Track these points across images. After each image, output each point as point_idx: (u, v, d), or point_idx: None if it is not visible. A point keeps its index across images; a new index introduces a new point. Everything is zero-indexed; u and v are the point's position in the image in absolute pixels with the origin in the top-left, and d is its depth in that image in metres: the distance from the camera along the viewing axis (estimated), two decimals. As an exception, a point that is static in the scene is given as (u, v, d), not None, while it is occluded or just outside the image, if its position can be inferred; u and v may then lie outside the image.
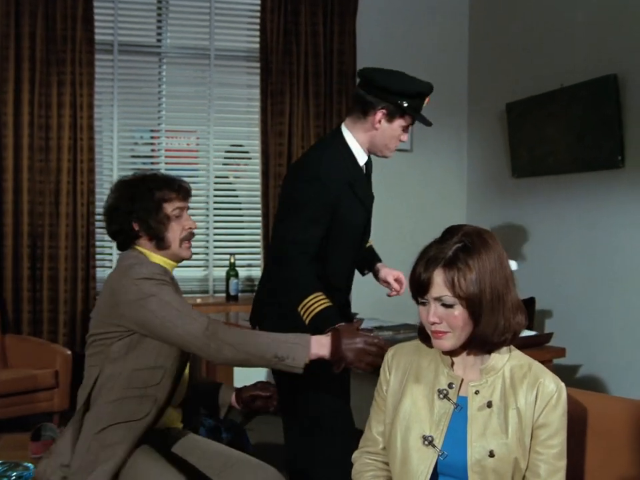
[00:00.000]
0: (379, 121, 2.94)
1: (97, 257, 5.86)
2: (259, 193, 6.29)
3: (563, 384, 2.00)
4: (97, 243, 5.84)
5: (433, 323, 1.95)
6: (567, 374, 5.28)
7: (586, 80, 5.28)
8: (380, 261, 3.41)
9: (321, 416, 2.98)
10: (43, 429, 3.04)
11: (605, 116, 5.14)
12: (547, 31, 5.80)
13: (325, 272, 2.93)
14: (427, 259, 1.93)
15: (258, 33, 6.21)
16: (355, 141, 3.00)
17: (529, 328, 4.52)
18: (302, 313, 2.77)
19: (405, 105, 2.91)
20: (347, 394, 3.16)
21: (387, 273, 3.28)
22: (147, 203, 2.66)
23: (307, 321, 2.75)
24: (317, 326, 2.69)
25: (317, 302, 2.74)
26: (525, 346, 3.69)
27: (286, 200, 3.02)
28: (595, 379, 5.36)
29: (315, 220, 2.86)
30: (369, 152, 3.07)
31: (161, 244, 2.70)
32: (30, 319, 5.68)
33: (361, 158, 3.04)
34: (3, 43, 5.58)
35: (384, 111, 2.92)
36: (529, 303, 5.49)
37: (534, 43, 5.94)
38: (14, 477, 2.63)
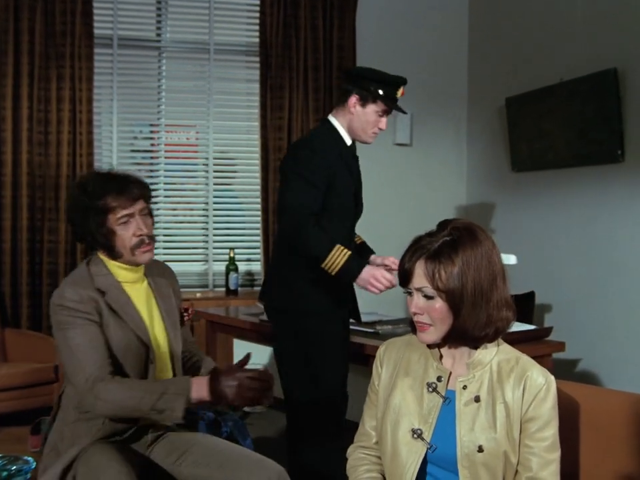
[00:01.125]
0: (354, 106, 3.34)
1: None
2: (258, 187, 6.28)
3: (552, 377, 1.99)
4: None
5: (415, 314, 1.97)
6: (566, 368, 5.29)
7: (586, 74, 5.27)
8: (373, 252, 3.66)
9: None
10: (42, 422, 3.05)
11: (604, 110, 5.14)
12: (547, 25, 5.79)
13: None
14: (414, 250, 1.96)
15: (257, 27, 6.20)
16: (340, 125, 3.41)
17: (529, 322, 4.53)
18: (327, 269, 3.13)
19: (375, 90, 3.31)
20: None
21: (383, 258, 3.50)
22: (87, 219, 2.55)
23: (333, 274, 3.13)
24: (342, 278, 3.15)
25: (338, 255, 3.11)
26: (525, 340, 3.71)
27: (284, 175, 3.36)
28: (594, 372, 5.36)
29: (313, 183, 3.21)
30: (351, 137, 3.44)
31: (112, 254, 2.60)
32: (29, 313, 5.68)
33: (347, 140, 3.42)
34: (1, 37, 5.57)
35: (357, 96, 3.33)
36: (529, 297, 5.49)
37: (534, 37, 5.94)
38: (14, 471, 2.63)
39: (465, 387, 2.00)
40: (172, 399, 2.32)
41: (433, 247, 1.93)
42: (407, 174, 6.58)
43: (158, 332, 2.66)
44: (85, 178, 2.67)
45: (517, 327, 3.74)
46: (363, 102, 3.34)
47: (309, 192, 3.21)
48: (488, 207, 6.53)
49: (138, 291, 2.67)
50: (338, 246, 3.13)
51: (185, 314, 2.76)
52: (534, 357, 3.65)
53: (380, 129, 3.40)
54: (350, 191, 3.41)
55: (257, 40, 6.21)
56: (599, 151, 5.23)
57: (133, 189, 2.57)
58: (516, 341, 3.59)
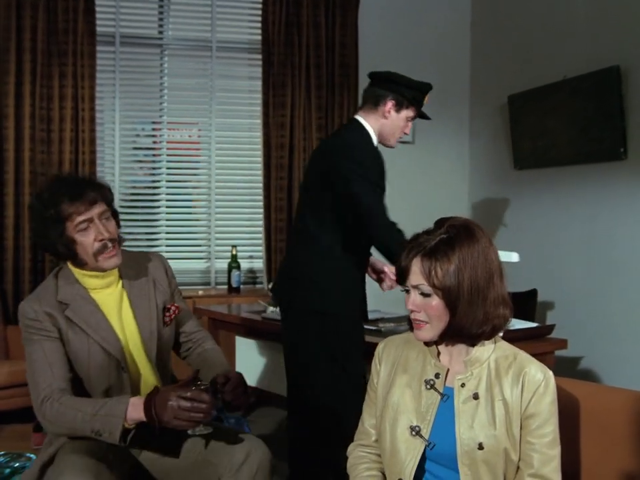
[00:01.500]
0: (389, 111, 3.38)
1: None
2: (260, 185, 6.29)
3: (550, 372, 1.99)
4: (99, 235, 5.83)
5: (412, 311, 1.97)
6: (568, 365, 5.29)
7: (588, 72, 5.27)
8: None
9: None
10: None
11: (607, 108, 5.13)
12: (550, 22, 5.79)
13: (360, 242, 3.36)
14: (411, 247, 1.96)
15: (260, 25, 6.21)
16: (370, 128, 3.42)
17: (531, 320, 4.53)
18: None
19: (410, 96, 3.36)
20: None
21: (383, 264, 3.52)
22: (47, 229, 2.43)
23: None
24: None
25: None
26: (527, 338, 3.71)
27: (346, 179, 3.25)
28: (596, 370, 5.36)
29: (382, 188, 3.33)
30: (378, 140, 3.46)
31: (76, 263, 2.51)
32: (32, 311, 5.68)
33: (375, 143, 3.44)
34: (4, 34, 5.58)
35: (393, 101, 3.37)
36: (531, 294, 5.50)
37: (536, 34, 5.93)
38: (17, 467, 2.64)
39: (463, 385, 2.00)
40: (107, 421, 2.26)
41: (430, 245, 1.93)
42: (410, 172, 6.57)
43: (130, 338, 2.57)
44: (40, 186, 2.57)
45: (519, 324, 3.74)
46: (398, 107, 3.39)
47: (376, 193, 3.29)
48: (490, 204, 6.53)
49: (108, 296, 2.58)
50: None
51: (167, 313, 2.66)
52: (536, 355, 3.65)
53: (405, 134, 3.48)
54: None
55: (259, 37, 6.22)
56: (601, 148, 5.22)
57: (89, 192, 2.44)
58: (518, 338, 3.60)
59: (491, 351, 2.02)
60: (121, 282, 2.60)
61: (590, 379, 5.27)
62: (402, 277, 1.98)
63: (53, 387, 2.38)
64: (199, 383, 2.30)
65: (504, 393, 1.96)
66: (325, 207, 3.35)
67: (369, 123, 3.42)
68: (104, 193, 2.51)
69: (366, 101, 3.45)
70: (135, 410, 2.26)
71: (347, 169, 3.26)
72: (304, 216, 3.45)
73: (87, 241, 2.43)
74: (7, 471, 2.61)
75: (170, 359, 2.73)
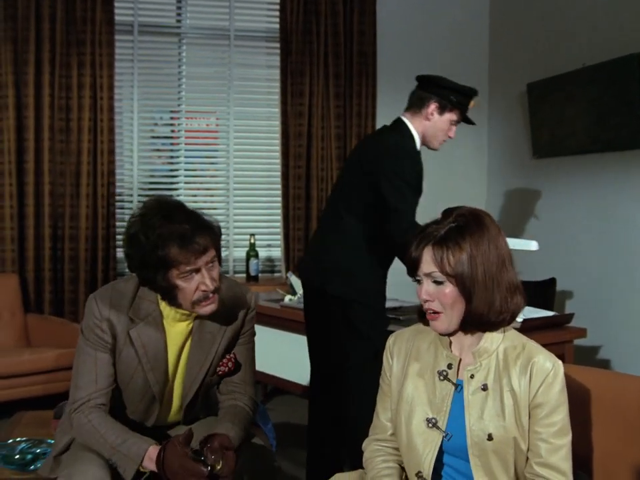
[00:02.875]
0: (432, 113, 3.45)
1: (118, 237, 5.86)
2: (278, 174, 6.29)
3: (559, 361, 1.98)
4: (117, 224, 5.87)
5: (426, 301, 1.97)
6: (587, 354, 5.28)
7: (608, 59, 5.23)
8: None
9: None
10: (65, 406, 3.07)
11: (626, 96, 5.09)
12: (569, 10, 5.75)
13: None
14: (421, 238, 1.96)
15: (278, 13, 6.20)
16: (414, 129, 3.50)
17: (550, 309, 4.51)
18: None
19: (454, 99, 3.43)
20: None
21: None
22: (147, 268, 2.31)
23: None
24: None
25: None
26: (546, 326, 3.71)
27: (388, 178, 3.34)
28: (615, 359, 5.34)
29: (419, 191, 3.48)
30: (421, 142, 3.56)
31: (171, 303, 2.39)
32: (51, 299, 5.74)
33: (418, 145, 3.54)
34: (23, 24, 5.60)
35: (436, 103, 3.44)
36: (550, 283, 5.48)
37: (555, 22, 5.89)
38: (38, 453, 2.67)
39: (472, 376, 1.99)
40: (124, 460, 2.27)
41: (440, 234, 1.93)
42: (427, 160, 6.51)
43: (177, 377, 2.53)
44: (148, 217, 2.32)
45: (538, 313, 3.73)
46: (441, 110, 3.45)
47: (415, 199, 3.44)
48: (508, 193, 6.51)
49: (176, 329, 2.48)
50: None
51: (222, 362, 2.56)
52: (555, 344, 3.66)
53: (449, 137, 3.55)
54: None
55: (278, 26, 6.21)
56: (620, 136, 5.18)
57: (200, 239, 2.28)
58: (537, 327, 3.60)
59: (499, 341, 2.01)
60: (195, 321, 2.50)
61: (609, 367, 5.26)
62: (413, 267, 1.98)
63: (90, 399, 2.38)
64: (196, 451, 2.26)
65: (512, 383, 1.95)
66: (360, 203, 3.41)
67: (413, 125, 3.49)
68: (214, 237, 2.38)
69: (411, 104, 3.52)
70: (150, 462, 2.25)
71: (386, 171, 3.34)
72: (337, 207, 3.50)
73: (189, 288, 2.31)
74: (29, 456, 2.64)
75: (204, 397, 2.66)
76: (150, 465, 2.25)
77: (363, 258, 3.41)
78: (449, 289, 1.92)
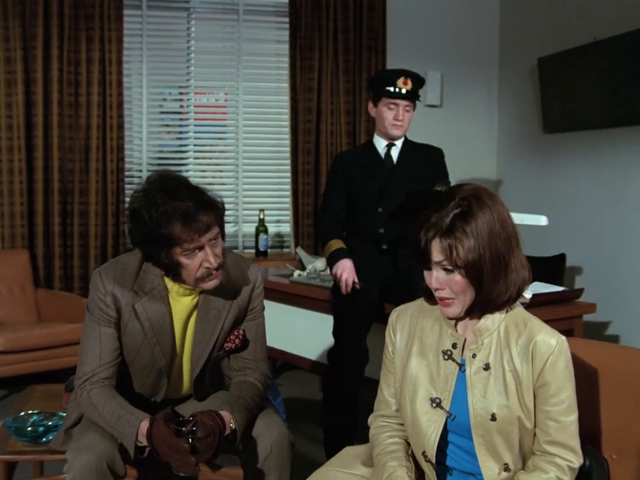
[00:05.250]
0: (371, 109, 3.85)
1: (126, 213, 5.84)
2: (288, 149, 6.28)
3: (563, 337, 1.96)
4: (127, 199, 5.86)
5: (437, 289, 1.95)
6: (597, 330, 5.28)
7: (620, 33, 5.18)
8: None
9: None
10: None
11: (638, 70, 5.05)
12: (581, -17, 5.70)
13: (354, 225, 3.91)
14: (426, 229, 1.93)
15: (287, -13, 6.17)
16: (376, 128, 3.91)
17: (559, 284, 4.51)
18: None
19: (377, 89, 3.77)
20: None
21: None
22: (150, 244, 2.31)
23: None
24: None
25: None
26: (555, 301, 3.71)
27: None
28: (624, 334, 5.34)
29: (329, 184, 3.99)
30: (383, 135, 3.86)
31: (175, 279, 2.41)
32: (61, 274, 5.75)
33: (379, 144, 3.88)
34: (31, -1, 5.58)
35: (370, 100, 3.87)
36: (560, 259, 5.47)
37: (567, -5, 5.85)
38: (50, 426, 2.69)
39: (474, 356, 1.99)
40: (122, 437, 2.30)
41: (445, 223, 1.89)
42: (438, 135, 6.47)
43: (185, 351, 2.54)
44: (151, 193, 2.31)
45: (548, 288, 3.73)
46: (374, 103, 3.81)
47: (328, 191, 4.00)
48: (519, 168, 6.49)
49: (182, 303, 2.49)
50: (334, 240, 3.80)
51: (230, 338, 2.56)
52: (564, 319, 3.67)
53: (397, 119, 3.75)
54: (369, 190, 3.93)
55: (287, 0, 6.17)
56: (632, 111, 5.15)
57: (203, 217, 2.28)
58: (546, 302, 3.60)
59: (500, 320, 2.00)
60: (199, 296, 2.50)
61: (618, 342, 5.26)
62: (422, 259, 1.95)
63: (95, 374, 2.40)
64: (182, 421, 2.28)
65: (514, 362, 1.95)
66: None
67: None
68: (217, 214, 2.37)
69: None
70: (144, 437, 2.27)
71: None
72: None
73: (193, 265, 2.31)
74: (41, 429, 2.66)
75: (213, 371, 2.66)
76: (144, 440, 2.28)
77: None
78: (459, 277, 1.91)
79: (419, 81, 3.76)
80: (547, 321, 2.06)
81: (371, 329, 3.65)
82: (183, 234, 2.25)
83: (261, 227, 6.11)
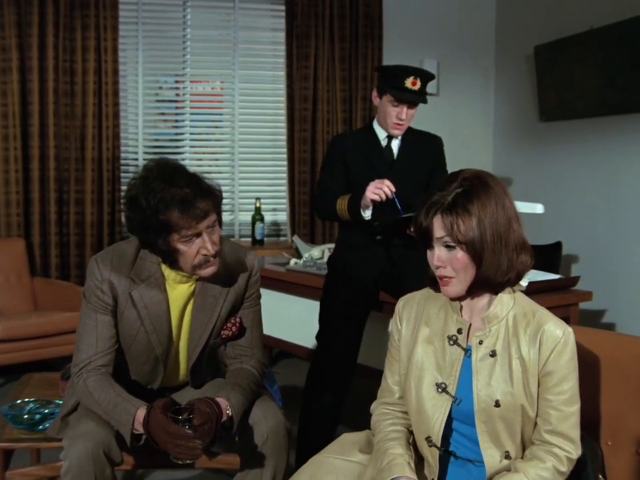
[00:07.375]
0: (375, 98, 3.67)
1: (123, 201, 5.84)
2: (284, 137, 6.28)
3: (569, 328, 1.97)
4: (123, 188, 5.85)
5: (438, 267, 1.96)
6: (592, 317, 5.29)
7: (616, 21, 5.18)
8: None
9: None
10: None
11: (635, 58, 5.05)
12: (577, -30, 5.69)
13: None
14: (428, 206, 1.94)
15: (283, -25, 6.15)
16: (377, 116, 3.74)
17: (555, 272, 4.51)
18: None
19: (384, 82, 3.58)
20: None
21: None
22: (147, 231, 2.31)
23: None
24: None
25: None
26: (551, 289, 3.71)
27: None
28: (620, 322, 5.36)
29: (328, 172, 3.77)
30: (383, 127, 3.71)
31: (172, 266, 2.41)
32: (58, 263, 5.75)
33: (380, 133, 3.73)
34: (26, -14, 5.56)
35: (375, 89, 3.67)
36: (556, 247, 5.48)
37: (564, -17, 5.84)
38: (46, 413, 2.70)
39: (480, 342, 2.00)
40: (118, 425, 2.30)
41: (447, 201, 1.91)
42: (434, 123, 6.42)
43: (182, 339, 2.55)
44: (149, 180, 2.29)
45: (544, 276, 3.73)
46: (379, 94, 3.63)
47: (324, 177, 3.84)
48: (515, 156, 6.49)
49: (178, 291, 2.49)
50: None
51: (227, 325, 2.57)
52: (560, 307, 3.67)
53: (399, 119, 3.59)
54: (367, 174, 3.74)
55: (283, -12, 6.16)
56: (629, 99, 5.15)
57: (201, 204, 2.27)
58: (542, 290, 3.60)
59: (509, 307, 2.01)
60: (195, 283, 2.51)
61: (614, 330, 5.27)
62: (424, 236, 1.97)
63: (91, 361, 2.40)
64: (179, 409, 2.29)
65: (521, 350, 1.96)
66: None
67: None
68: (215, 201, 2.36)
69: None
70: (140, 425, 2.28)
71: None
72: None
73: (190, 252, 2.32)
74: (37, 416, 2.66)
75: (210, 359, 2.66)
76: (140, 428, 2.28)
77: None
78: (461, 254, 1.92)
79: (428, 79, 3.64)
80: (542, 309, 2.06)
81: (368, 318, 3.64)
82: (181, 220, 2.25)
83: (257, 216, 6.11)
